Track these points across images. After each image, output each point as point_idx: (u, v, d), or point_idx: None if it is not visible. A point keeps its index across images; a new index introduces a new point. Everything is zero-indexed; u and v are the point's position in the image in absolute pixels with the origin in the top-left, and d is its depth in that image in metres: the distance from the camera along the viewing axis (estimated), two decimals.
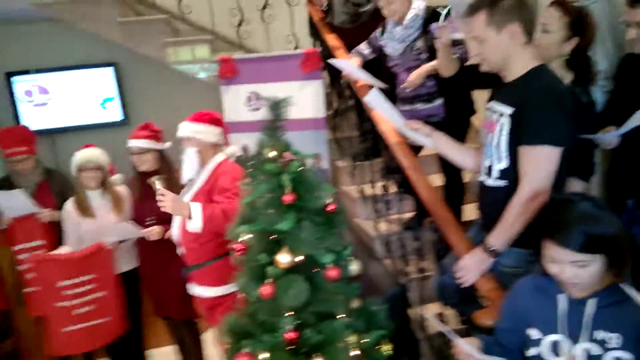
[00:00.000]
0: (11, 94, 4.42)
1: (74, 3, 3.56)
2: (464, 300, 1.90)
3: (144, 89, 4.62)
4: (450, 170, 2.60)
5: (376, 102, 2.11)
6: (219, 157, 2.44)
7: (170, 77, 4.37)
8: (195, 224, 2.20)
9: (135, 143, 2.71)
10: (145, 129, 2.76)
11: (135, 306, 2.98)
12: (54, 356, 3.18)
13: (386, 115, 2.18)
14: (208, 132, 2.40)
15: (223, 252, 2.30)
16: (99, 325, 2.70)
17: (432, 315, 2.00)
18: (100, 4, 3.56)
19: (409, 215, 2.79)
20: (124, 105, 4.60)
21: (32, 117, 4.44)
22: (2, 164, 3.14)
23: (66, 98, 4.51)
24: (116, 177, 2.96)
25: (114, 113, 4.59)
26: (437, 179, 2.82)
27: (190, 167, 2.40)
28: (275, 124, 1.76)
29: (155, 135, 2.75)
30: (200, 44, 3.70)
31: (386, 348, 1.68)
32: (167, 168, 2.73)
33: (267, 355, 1.50)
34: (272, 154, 1.70)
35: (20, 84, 4.43)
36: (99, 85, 4.53)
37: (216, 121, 2.47)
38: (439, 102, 2.65)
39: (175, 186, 2.52)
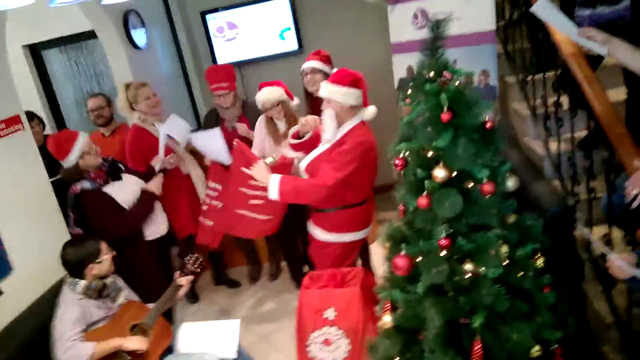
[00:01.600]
0: (207, 31, 5.02)
1: None
2: (632, 219, 1.80)
3: (316, 18, 4.87)
4: (634, 82, 2.33)
5: (545, 11, 1.99)
6: (355, 121, 2.45)
7: (339, 3, 4.53)
8: (272, 195, 2.42)
9: (308, 64, 3.10)
10: (317, 54, 3.12)
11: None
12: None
13: (557, 26, 2.05)
14: (348, 95, 2.39)
15: (343, 204, 2.51)
16: (262, 220, 2.98)
17: (586, 230, 1.94)
18: None
19: (582, 133, 2.61)
20: (299, 35, 4.91)
21: (224, 52, 5.03)
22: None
23: (250, 31, 4.96)
24: (294, 103, 3.27)
25: (291, 43, 4.94)
26: (619, 94, 2.56)
27: (329, 128, 2.45)
28: (434, 44, 1.80)
29: (326, 59, 3.04)
30: None
31: (539, 261, 1.72)
32: None
33: (422, 258, 1.67)
34: (431, 74, 1.76)
35: (212, 21, 4.99)
36: (277, 16, 4.87)
37: (357, 82, 2.43)
38: (625, 3, 2.34)
39: None
